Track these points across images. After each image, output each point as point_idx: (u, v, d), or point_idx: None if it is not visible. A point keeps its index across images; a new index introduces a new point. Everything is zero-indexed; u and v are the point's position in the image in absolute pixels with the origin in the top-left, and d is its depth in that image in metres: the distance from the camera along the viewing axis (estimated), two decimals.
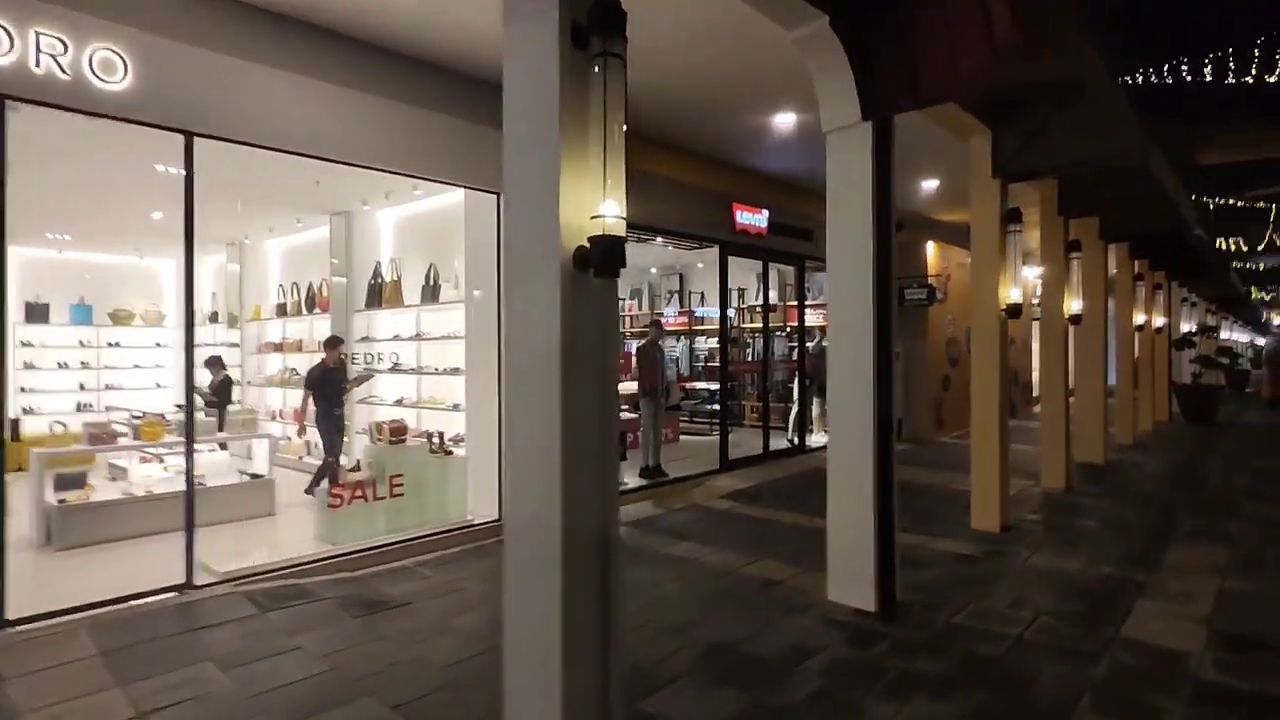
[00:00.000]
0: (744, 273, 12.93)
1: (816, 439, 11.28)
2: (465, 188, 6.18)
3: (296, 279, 9.28)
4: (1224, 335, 35.67)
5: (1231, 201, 19.22)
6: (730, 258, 9.14)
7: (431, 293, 7.22)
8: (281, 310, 9.48)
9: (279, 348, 9.51)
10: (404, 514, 5.69)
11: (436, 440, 6.25)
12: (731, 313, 11.60)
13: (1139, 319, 12.86)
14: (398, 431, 5.83)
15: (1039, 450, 8.40)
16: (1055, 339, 8.28)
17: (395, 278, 7.62)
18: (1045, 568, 5.26)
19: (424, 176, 5.90)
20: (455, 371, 6.82)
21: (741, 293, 13.69)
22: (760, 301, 12.94)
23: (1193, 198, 17.46)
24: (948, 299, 12.99)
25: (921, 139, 7.02)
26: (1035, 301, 15.97)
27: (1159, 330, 13.93)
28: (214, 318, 11.06)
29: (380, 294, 7.79)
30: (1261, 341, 54.69)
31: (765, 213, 9.34)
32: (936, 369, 12.79)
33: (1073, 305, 8.27)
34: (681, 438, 11.39)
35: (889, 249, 4.56)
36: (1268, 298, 47.75)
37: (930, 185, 10.53)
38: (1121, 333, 12.49)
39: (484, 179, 6.10)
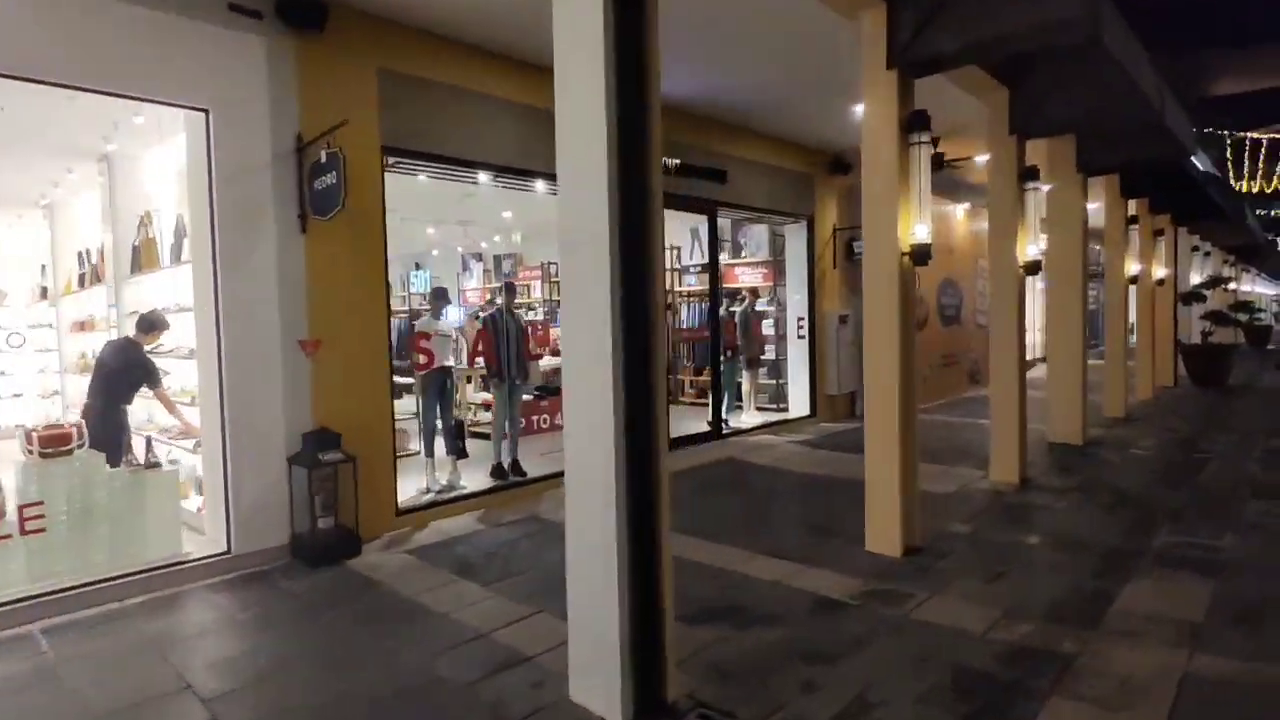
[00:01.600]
0: (680, 227, 11.14)
1: (750, 418, 9.62)
2: (143, 100, 4.49)
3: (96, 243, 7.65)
4: (1245, 288, 33.26)
5: (1255, 136, 16.97)
6: None
7: (175, 252, 5.60)
8: (81, 281, 7.90)
9: (83, 326, 7.95)
10: (60, 556, 4.12)
11: (143, 451, 4.67)
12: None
13: (1133, 269, 10.99)
14: (54, 441, 4.23)
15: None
16: (1005, 292, 6.50)
17: (151, 236, 5.99)
18: (936, 626, 3.60)
19: (81, 87, 4.21)
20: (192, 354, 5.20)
21: (676, 251, 11.91)
22: (698, 261, 11.23)
23: (1195, 129, 15.33)
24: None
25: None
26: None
27: (1160, 283, 12.02)
28: (44, 293, 9.51)
29: (139, 256, 6.17)
30: None
31: None
32: None
33: (1028, 249, 6.48)
34: None
35: (642, 149, 2.84)
36: None
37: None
38: (1112, 286, 10.64)
39: (178, 88, 4.42)
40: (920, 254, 4.64)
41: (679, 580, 3.12)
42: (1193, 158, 13.70)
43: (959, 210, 12.62)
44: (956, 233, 12.60)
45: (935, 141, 5.79)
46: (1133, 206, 11.46)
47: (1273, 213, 27.20)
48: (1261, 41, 13.22)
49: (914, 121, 4.57)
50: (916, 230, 4.64)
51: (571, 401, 2.96)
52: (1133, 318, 12.86)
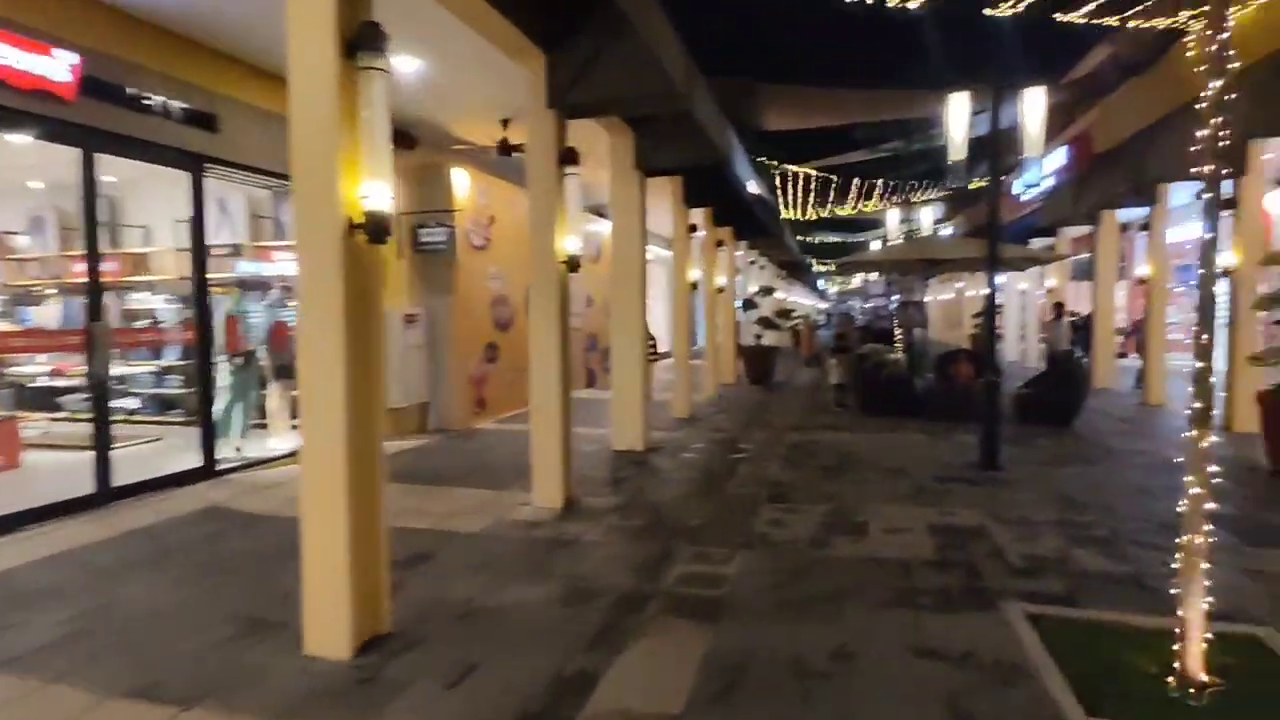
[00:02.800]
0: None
1: (280, 443, 7.56)
2: None
3: None
4: (795, 299, 40.92)
5: (794, 170, 20.26)
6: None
7: None
8: None
9: None
10: None
11: None
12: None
13: (694, 275, 11.67)
14: None
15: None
16: (547, 287, 5.69)
17: None
18: None
19: None
20: None
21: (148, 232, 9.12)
22: (227, 241, 8.68)
23: (752, 158, 17.61)
24: (490, 246, 10.24)
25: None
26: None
27: (720, 290, 13.12)
28: None
29: None
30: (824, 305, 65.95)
31: (65, 56, 5.10)
32: (475, 335, 9.98)
33: (566, 243, 5.76)
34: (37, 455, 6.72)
35: None
36: (826, 268, 57.35)
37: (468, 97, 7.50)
38: (676, 291, 11.07)
39: None
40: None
41: None
42: (747, 183, 15.53)
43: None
44: None
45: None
46: (698, 218, 12.27)
47: (811, 239, 33.80)
48: (805, 82, 15.45)
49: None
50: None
51: None
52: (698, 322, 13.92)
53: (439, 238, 8.95)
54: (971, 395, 9.83)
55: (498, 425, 9.91)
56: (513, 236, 10.90)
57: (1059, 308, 14.38)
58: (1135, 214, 13.44)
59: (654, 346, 11.76)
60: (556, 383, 5.70)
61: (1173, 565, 2.96)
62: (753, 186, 16.14)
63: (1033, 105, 6.78)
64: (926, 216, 16.37)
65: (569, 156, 5.71)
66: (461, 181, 9.49)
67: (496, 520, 5.33)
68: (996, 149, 6.94)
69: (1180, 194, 11.64)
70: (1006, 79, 7.05)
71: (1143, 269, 11.55)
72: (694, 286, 11.85)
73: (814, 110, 17.18)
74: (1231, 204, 8.80)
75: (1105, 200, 12.36)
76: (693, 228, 12.09)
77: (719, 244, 13.02)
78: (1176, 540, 2.96)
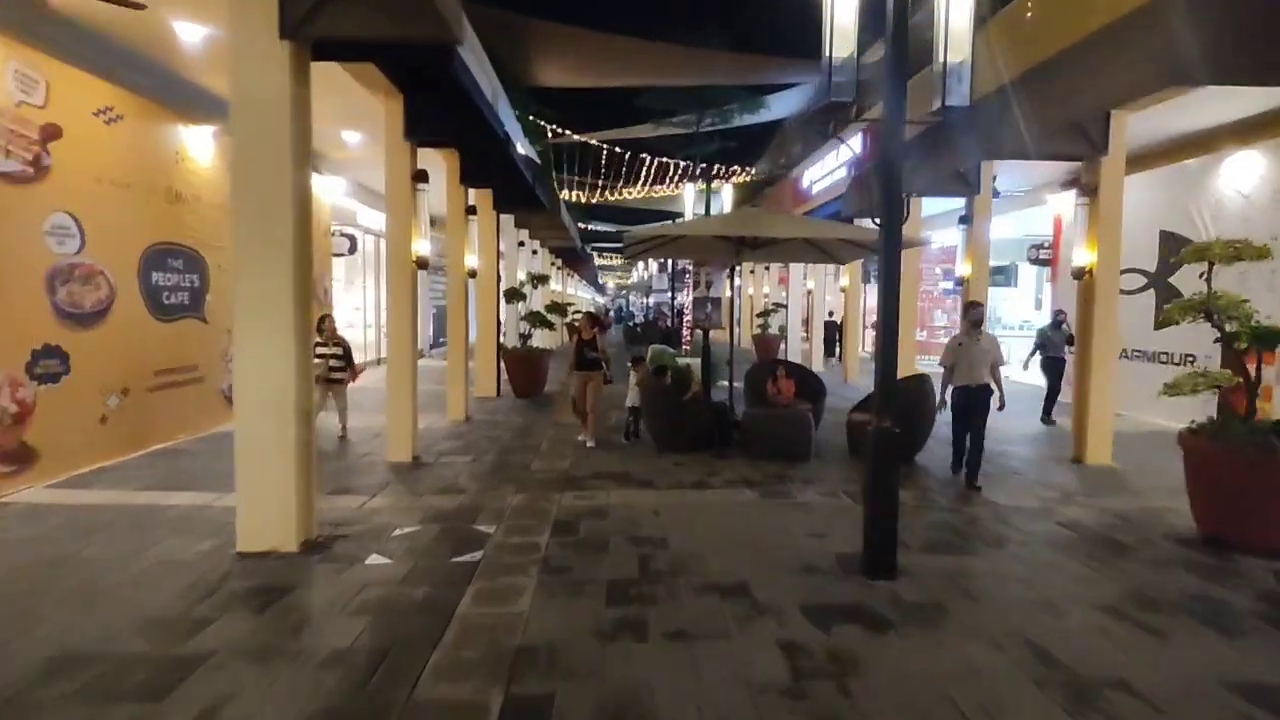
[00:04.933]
0: None
1: None
2: None
3: None
4: (573, 292, 38.31)
5: (579, 138, 17.27)
6: None
7: None
8: None
9: None
10: None
11: None
12: None
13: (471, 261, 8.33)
14: None
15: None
16: None
17: None
18: None
19: None
20: None
21: None
22: None
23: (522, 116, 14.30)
24: (50, 177, 5.79)
25: None
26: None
27: (472, 274, 9.67)
28: None
29: None
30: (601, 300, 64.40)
31: None
32: (9, 331, 5.55)
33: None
34: None
35: None
36: (608, 262, 55.46)
37: None
38: (454, 280, 7.47)
39: None
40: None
41: None
42: (517, 144, 12.20)
43: (197, 133, 7.83)
44: (186, 166, 7.76)
45: None
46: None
47: (591, 225, 31.19)
48: (580, 24, 12.39)
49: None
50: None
51: None
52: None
53: None
54: (798, 422, 7.48)
55: (55, 492, 5.61)
56: (109, 164, 6.54)
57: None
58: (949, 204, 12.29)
59: (342, 355, 7.88)
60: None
61: None
62: (523, 147, 12.86)
63: None
64: (727, 202, 14.26)
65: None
66: None
67: None
68: (901, 28, 4.20)
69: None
70: None
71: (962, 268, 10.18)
72: (471, 274, 8.66)
73: (590, 64, 14.30)
74: (1089, 189, 7.31)
75: (919, 188, 10.87)
76: (471, 209, 8.96)
77: (470, 211, 9.52)
78: None
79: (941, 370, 6.47)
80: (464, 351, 9.42)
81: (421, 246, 6.95)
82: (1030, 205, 12.86)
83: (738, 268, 10.60)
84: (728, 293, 13.88)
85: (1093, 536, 4.99)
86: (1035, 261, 13.27)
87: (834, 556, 4.42)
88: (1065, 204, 12.06)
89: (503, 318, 13.07)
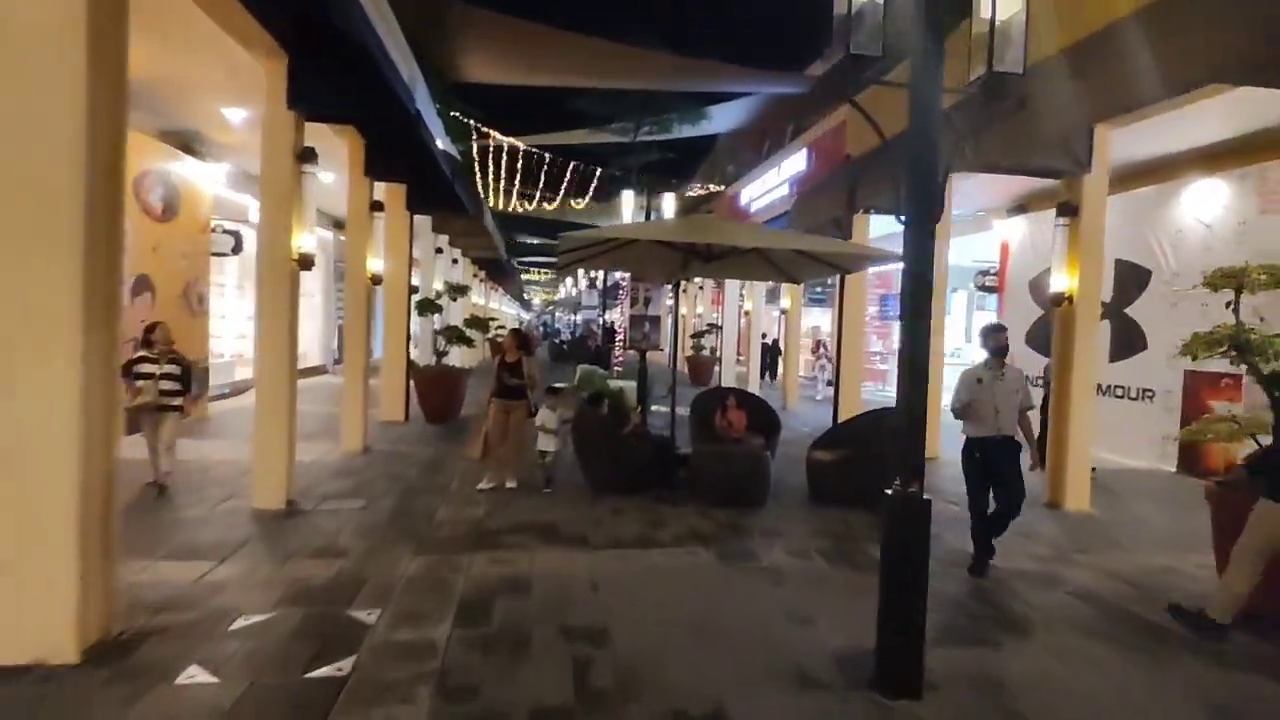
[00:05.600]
0: None
1: None
2: None
3: None
4: (496, 306, 36.74)
5: (501, 139, 16.00)
6: None
7: None
8: None
9: None
10: None
11: None
12: None
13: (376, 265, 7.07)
14: None
15: None
16: None
17: None
18: None
19: None
20: None
21: None
22: None
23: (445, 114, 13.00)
24: None
25: None
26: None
27: (376, 280, 8.30)
28: None
29: None
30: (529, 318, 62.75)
31: None
32: None
33: None
34: None
35: None
36: (536, 277, 53.72)
37: None
38: (353, 286, 6.19)
39: None
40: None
41: None
42: (436, 138, 10.94)
43: None
44: None
45: None
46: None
47: (518, 238, 29.76)
48: (513, 11, 11.24)
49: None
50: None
51: None
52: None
53: None
54: (753, 462, 6.49)
55: None
56: None
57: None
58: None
59: (178, 376, 5.89)
60: None
61: None
62: (442, 143, 11.57)
63: None
64: (668, 212, 13.33)
65: None
66: None
67: None
68: None
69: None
70: None
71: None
72: (376, 281, 7.43)
73: (521, 58, 13.17)
74: (1070, 209, 6.69)
75: (869, 204, 10.20)
76: (377, 205, 7.65)
77: (376, 207, 8.18)
78: None
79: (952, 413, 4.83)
80: (364, 369, 8.01)
81: (305, 241, 5.61)
82: (977, 230, 12.48)
83: (682, 283, 9.62)
84: (668, 310, 12.82)
85: (1114, 613, 4.16)
86: (982, 288, 12.89)
87: (831, 657, 3.39)
88: (1012, 229, 11.82)
89: (415, 331, 11.65)
